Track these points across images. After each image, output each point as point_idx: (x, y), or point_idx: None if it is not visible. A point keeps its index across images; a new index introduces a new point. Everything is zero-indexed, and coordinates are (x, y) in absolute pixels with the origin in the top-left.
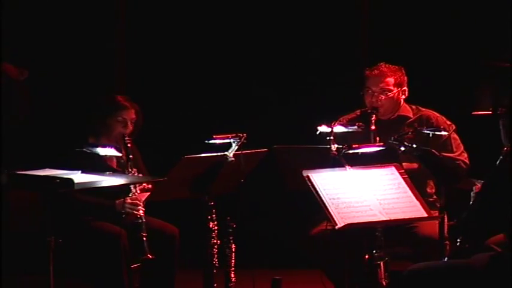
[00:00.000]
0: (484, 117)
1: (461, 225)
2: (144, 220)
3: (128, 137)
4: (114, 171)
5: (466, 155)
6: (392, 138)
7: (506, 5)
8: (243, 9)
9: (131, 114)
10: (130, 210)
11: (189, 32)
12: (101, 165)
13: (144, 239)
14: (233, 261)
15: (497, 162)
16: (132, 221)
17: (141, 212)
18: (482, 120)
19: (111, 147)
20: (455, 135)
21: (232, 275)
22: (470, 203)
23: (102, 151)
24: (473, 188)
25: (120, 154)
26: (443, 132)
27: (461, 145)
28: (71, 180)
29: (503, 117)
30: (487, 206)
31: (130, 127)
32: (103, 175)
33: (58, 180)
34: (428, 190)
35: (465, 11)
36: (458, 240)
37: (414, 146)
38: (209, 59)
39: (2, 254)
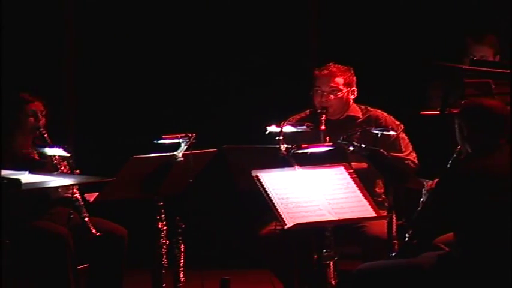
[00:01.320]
0: (432, 117)
1: (414, 223)
2: (82, 203)
3: (43, 128)
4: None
5: (414, 155)
6: (341, 138)
7: (455, 4)
8: (192, 9)
9: (39, 106)
10: (67, 195)
11: (139, 32)
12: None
13: (86, 219)
14: (182, 261)
15: (450, 161)
16: (74, 204)
17: (76, 195)
18: (430, 120)
19: (59, 147)
20: (404, 135)
21: (181, 275)
22: (421, 200)
23: (50, 151)
24: (425, 186)
25: (69, 154)
26: (391, 132)
27: (409, 145)
28: (18, 180)
29: (459, 117)
30: (440, 204)
31: (42, 119)
32: (51, 175)
33: (5, 181)
34: (377, 190)
35: (413, 11)
36: (407, 235)
37: (363, 145)
38: (158, 58)
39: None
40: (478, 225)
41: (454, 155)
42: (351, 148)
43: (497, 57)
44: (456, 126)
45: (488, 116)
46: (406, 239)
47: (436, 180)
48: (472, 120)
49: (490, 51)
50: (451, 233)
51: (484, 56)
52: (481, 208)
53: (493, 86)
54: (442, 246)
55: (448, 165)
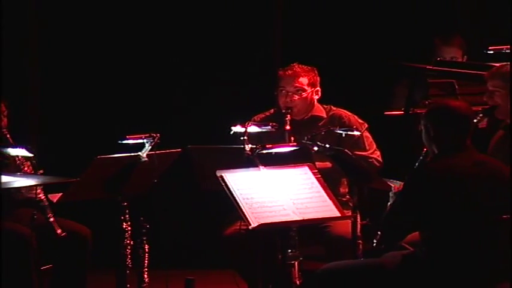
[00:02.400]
0: (396, 117)
1: (383, 225)
2: (47, 203)
3: (5, 129)
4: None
5: (378, 153)
6: (305, 138)
7: (419, 4)
8: (156, 8)
9: (1, 107)
10: (31, 196)
11: (103, 31)
12: None
13: (52, 219)
14: (146, 261)
15: (417, 163)
16: (39, 205)
17: (41, 195)
18: (394, 120)
19: (22, 148)
20: (368, 134)
21: (146, 276)
22: (389, 203)
23: (13, 151)
24: (392, 187)
25: (32, 155)
26: (355, 132)
27: (373, 143)
28: None
29: (425, 118)
30: (407, 205)
31: (4, 119)
32: (14, 176)
33: None
34: (342, 190)
35: (377, 11)
36: (375, 241)
37: (327, 145)
38: (123, 58)
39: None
40: (443, 224)
41: (421, 157)
42: (316, 148)
43: (465, 58)
44: (422, 127)
45: (454, 116)
46: (374, 244)
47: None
48: (439, 121)
49: (459, 53)
50: (416, 233)
51: (454, 57)
52: (447, 208)
53: (457, 87)
54: (406, 246)
55: (415, 166)
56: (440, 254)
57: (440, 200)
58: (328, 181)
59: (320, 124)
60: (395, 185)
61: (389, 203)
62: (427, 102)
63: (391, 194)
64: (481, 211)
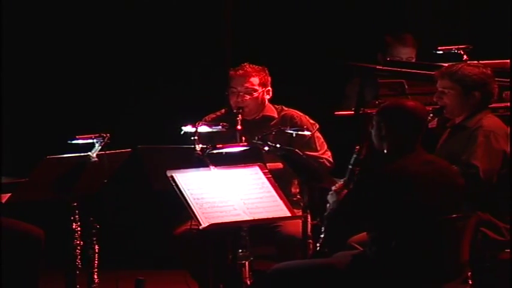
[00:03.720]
0: (346, 117)
1: (328, 223)
2: None
3: None
4: None
5: (329, 154)
6: (256, 138)
7: (369, 4)
8: (106, 8)
9: None
10: None
11: (49, 31)
12: None
13: None
14: (96, 262)
15: (352, 161)
16: None
17: None
18: (345, 120)
19: None
20: (319, 134)
21: (95, 276)
22: (328, 204)
23: None
24: (332, 187)
25: None
26: (306, 132)
27: (324, 144)
28: None
29: (379, 116)
30: (356, 204)
31: None
32: None
33: None
34: (293, 190)
35: (328, 11)
36: (318, 245)
37: (278, 145)
38: (72, 57)
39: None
40: (394, 224)
41: (355, 155)
42: (266, 148)
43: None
44: (374, 124)
45: (408, 117)
46: (318, 247)
47: (341, 182)
48: (392, 120)
49: (413, 52)
50: (365, 233)
51: (410, 57)
52: (398, 208)
53: (407, 87)
54: (356, 245)
55: (350, 165)
56: (390, 253)
57: (392, 201)
58: (280, 181)
59: (271, 124)
60: (339, 182)
61: (328, 204)
62: (377, 102)
63: (330, 192)
64: (430, 211)
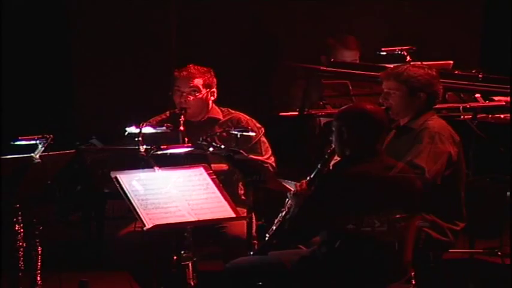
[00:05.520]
0: (291, 118)
1: (288, 226)
2: None
3: None
4: None
5: (273, 159)
6: (201, 139)
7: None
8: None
9: None
10: None
11: None
12: None
13: None
14: (39, 263)
15: (320, 164)
16: None
17: None
18: (290, 120)
19: None
20: (264, 139)
21: (38, 278)
22: (288, 203)
23: None
24: (291, 188)
25: None
26: (251, 133)
27: (269, 149)
28: None
29: (340, 120)
30: (317, 207)
31: None
32: None
33: None
34: (239, 191)
35: (269, 14)
36: (267, 235)
37: (222, 146)
38: (11, 58)
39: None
40: (343, 226)
41: (326, 156)
42: (211, 149)
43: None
44: (334, 129)
45: (369, 120)
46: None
47: (301, 183)
48: (353, 124)
49: (357, 55)
50: None
51: (354, 60)
52: (354, 211)
53: (351, 88)
54: (301, 245)
55: (318, 167)
56: (339, 254)
57: (352, 205)
58: (225, 182)
59: (217, 126)
60: (289, 186)
61: (287, 206)
62: (321, 103)
63: (289, 195)
64: (383, 213)
